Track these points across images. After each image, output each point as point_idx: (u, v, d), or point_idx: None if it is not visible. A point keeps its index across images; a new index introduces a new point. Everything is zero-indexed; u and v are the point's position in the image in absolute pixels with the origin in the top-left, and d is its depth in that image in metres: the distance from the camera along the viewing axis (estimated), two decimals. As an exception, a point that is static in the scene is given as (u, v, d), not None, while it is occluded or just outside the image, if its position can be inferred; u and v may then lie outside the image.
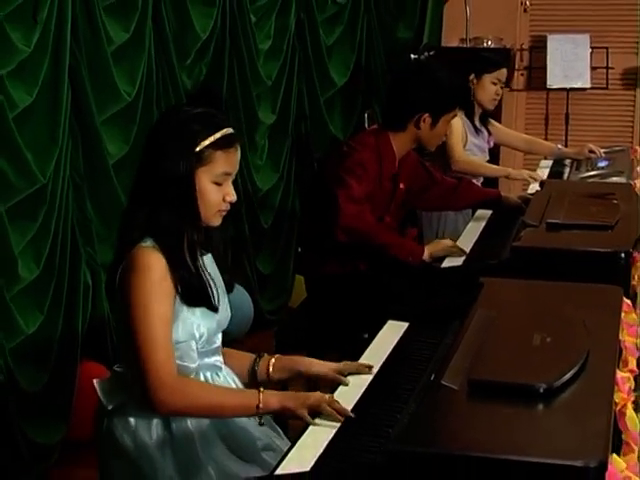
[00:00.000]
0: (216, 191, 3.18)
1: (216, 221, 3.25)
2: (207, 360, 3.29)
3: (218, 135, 3.16)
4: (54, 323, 5.03)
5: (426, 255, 5.08)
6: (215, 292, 3.25)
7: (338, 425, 3.02)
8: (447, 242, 5.22)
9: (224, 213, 3.25)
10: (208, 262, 3.32)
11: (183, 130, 3.15)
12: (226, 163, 3.18)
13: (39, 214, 4.88)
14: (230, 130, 3.21)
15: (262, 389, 3.16)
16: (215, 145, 3.15)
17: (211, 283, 3.25)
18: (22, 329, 4.81)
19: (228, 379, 3.36)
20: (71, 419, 5.11)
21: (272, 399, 3.12)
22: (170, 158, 3.12)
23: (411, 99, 5.13)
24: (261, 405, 3.10)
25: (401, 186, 5.33)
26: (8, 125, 4.57)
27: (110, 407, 3.22)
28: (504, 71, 6.55)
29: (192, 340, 3.20)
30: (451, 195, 5.61)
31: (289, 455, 2.87)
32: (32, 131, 4.81)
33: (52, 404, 5.03)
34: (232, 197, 3.22)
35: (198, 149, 3.13)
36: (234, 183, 3.28)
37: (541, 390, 2.80)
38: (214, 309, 3.22)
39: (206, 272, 3.26)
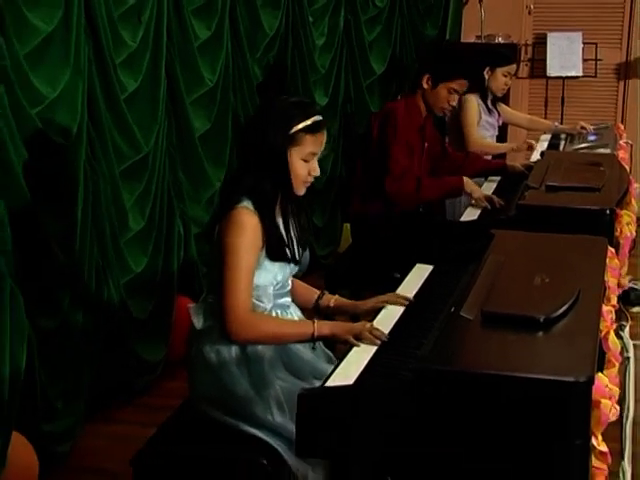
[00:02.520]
0: (304, 167, 3.22)
1: (301, 191, 3.29)
2: (279, 301, 3.33)
3: (309, 122, 3.19)
4: (155, 264, 5.09)
5: (465, 183, 5.17)
6: (296, 249, 3.30)
7: (376, 348, 3.02)
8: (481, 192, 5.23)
9: (308, 184, 3.29)
10: (291, 223, 3.34)
11: (281, 115, 3.18)
12: (314, 144, 3.22)
13: (143, 177, 4.93)
14: (319, 117, 3.24)
15: (315, 320, 3.21)
16: (306, 129, 3.18)
17: (294, 241, 3.30)
18: (132, 269, 4.88)
19: (294, 315, 3.40)
20: (169, 341, 5.15)
21: (324, 328, 3.16)
22: (269, 138, 3.15)
23: (420, 61, 5.22)
24: (315, 333, 3.15)
25: (425, 145, 5.31)
26: (120, 105, 4.64)
27: (199, 328, 3.25)
28: (514, 66, 6.55)
29: (270, 285, 3.26)
30: (460, 166, 5.59)
31: (336, 371, 2.88)
32: (137, 110, 4.84)
33: (155, 329, 5.10)
34: (317, 172, 3.27)
35: (291, 132, 3.15)
36: None
37: (541, 320, 2.80)
38: (295, 262, 3.29)
39: (292, 232, 3.31)
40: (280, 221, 3.27)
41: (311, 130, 3.20)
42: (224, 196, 3.28)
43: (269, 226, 3.17)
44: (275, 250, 3.20)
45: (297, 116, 3.18)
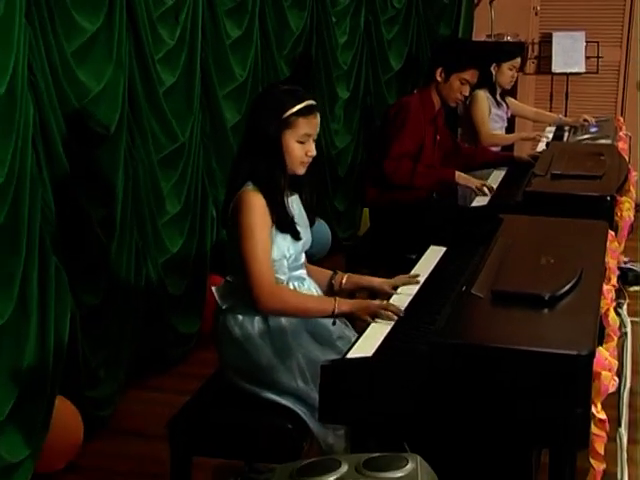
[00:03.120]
0: (300, 148, 3.20)
1: (300, 171, 3.27)
2: (294, 273, 3.33)
3: (300, 105, 3.17)
4: (190, 245, 5.10)
5: (457, 177, 5.18)
6: (299, 224, 3.28)
7: (392, 324, 3.02)
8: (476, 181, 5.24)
9: (307, 165, 3.26)
10: (295, 201, 3.34)
11: (274, 102, 3.19)
12: (308, 126, 3.20)
13: (179, 164, 4.94)
14: (311, 102, 3.23)
15: (336, 298, 3.21)
16: (298, 113, 3.17)
17: (295, 218, 3.28)
18: (169, 249, 4.90)
19: (311, 287, 3.39)
20: (203, 315, 5.16)
21: (344, 305, 3.16)
22: (264, 123, 3.16)
23: (434, 57, 5.27)
24: (336, 310, 3.15)
25: (438, 137, 5.31)
26: (158, 98, 4.65)
27: (224, 307, 3.26)
28: (518, 60, 6.49)
29: (284, 259, 3.25)
30: (471, 159, 5.63)
31: (356, 344, 2.88)
32: (174, 102, 4.85)
33: (189, 304, 5.11)
34: (312, 152, 3.24)
35: (285, 116, 3.15)
36: (318, 143, 3.31)
37: (546, 298, 2.80)
38: (298, 238, 3.26)
39: (290, 208, 3.28)
40: (288, 198, 3.27)
41: (303, 113, 3.18)
42: (229, 181, 3.28)
43: (274, 203, 3.16)
44: (282, 222, 3.20)
45: (289, 101, 3.18)
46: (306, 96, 3.23)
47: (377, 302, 3.14)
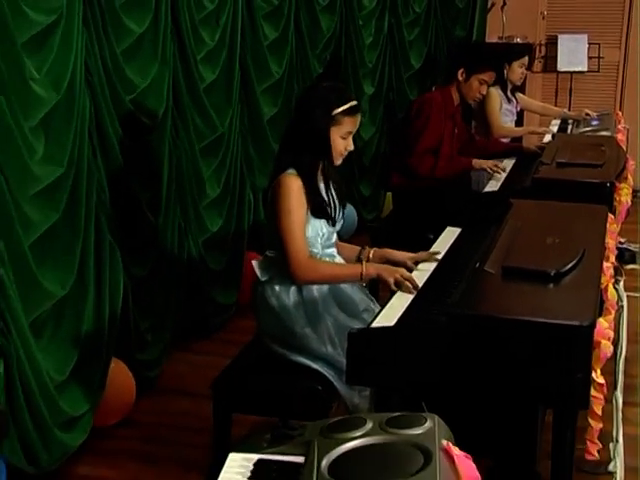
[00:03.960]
0: (342, 143, 3.22)
1: (338, 162, 3.29)
2: (327, 251, 3.33)
3: (347, 106, 3.18)
4: (229, 225, 5.12)
5: (474, 163, 5.21)
6: (334, 208, 3.29)
7: (413, 296, 3.02)
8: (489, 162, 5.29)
9: (344, 157, 3.28)
10: (329, 188, 3.34)
11: (323, 100, 3.18)
12: (351, 124, 3.22)
13: (219, 152, 4.95)
14: (355, 102, 3.23)
15: (364, 262, 3.27)
16: (345, 112, 3.18)
17: (335, 202, 3.31)
18: (209, 228, 4.91)
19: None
20: (240, 288, 5.17)
21: (370, 268, 3.19)
22: (314, 119, 3.16)
23: (455, 58, 5.23)
24: (364, 272, 3.17)
25: (455, 130, 5.30)
26: (199, 93, 4.66)
27: (263, 279, 3.27)
28: (526, 58, 6.47)
29: (317, 237, 3.26)
30: (484, 149, 5.62)
31: (380, 315, 2.88)
32: (215, 97, 4.85)
33: (228, 278, 5.12)
34: (351, 147, 3.27)
35: (333, 114, 3.16)
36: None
37: (552, 274, 2.80)
38: (332, 221, 3.28)
39: (331, 196, 3.30)
40: (322, 186, 3.29)
41: (349, 112, 3.19)
42: (274, 166, 3.27)
43: (311, 188, 3.18)
44: (317, 208, 3.21)
45: (338, 100, 3.18)
46: (352, 96, 3.25)
47: (401, 269, 3.15)
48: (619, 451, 3.52)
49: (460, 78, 5.15)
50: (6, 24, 3.05)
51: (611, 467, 3.42)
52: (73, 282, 3.58)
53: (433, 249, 3.51)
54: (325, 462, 1.74)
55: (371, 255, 3.46)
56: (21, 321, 3.23)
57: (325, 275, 3.20)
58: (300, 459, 1.81)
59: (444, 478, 1.61)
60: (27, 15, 3.20)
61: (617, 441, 3.59)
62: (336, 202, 3.33)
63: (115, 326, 3.88)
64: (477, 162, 5.25)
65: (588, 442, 2.90)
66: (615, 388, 3.77)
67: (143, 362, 4.24)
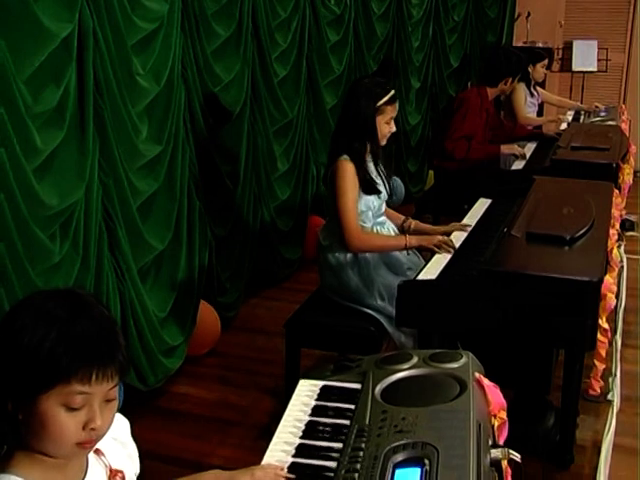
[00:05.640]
0: (386, 127, 3.18)
1: (384, 143, 3.25)
2: (378, 219, 3.31)
3: (388, 96, 3.14)
4: (296, 194, 5.09)
5: (502, 148, 5.17)
6: (382, 185, 3.26)
7: (450, 255, 3.02)
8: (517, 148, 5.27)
9: (388, 138, 3.24)
10: (378, 166, 3.30)
11: (369, 93, 3.13)
12: (392, 111, 3.18)
13: (289, 134, 4.92)
14: (393, 92, 3.19)
15: (407, 235, 3.23)
16: (387, 102, 3.14)
17: (383, 179, 3.26)
18: (279, 196, 4.89)
19: (389, 228, 3.37)
20: (304, 247, 5.18)
21: (413, 240, 3.18)
22: (362, 110, 3.12)
23: (504, 70, 5.11)
24: (407, 244, 3.16)
25: (488, 120, 5.25)
26: (274, 85, 4.63)
27: (324, 244, 3.26)
28: (547, 60, 6.47)
29: (369, 210, 3.23)
30: (511, 134, 5.57)
31: (423, 270, 2.89)
32: (286, 89, 4.81)
33: (294, 238, 5.11)
34: (394, 129, 3.22)
35: (378, 105, 3.12)
36: (396, 121, 3.26)
37: (567, 238, 2.80)
38: (379, 195, 3.24)
39: (380, 172, 3.27)
40: (371, 165, 3.25)
41: (390, 102, 3.16)
42: (330, 153, 3.24)
43: (361, 171, 3.14)
44: (367, 187, 3.17)
45: (381, 93, 3.14)
46: (390, 87, 3.20)
47: (440, 237, 3.13)
48: (617, 384, 3.52)
49: (505, 86, 5.19)
50: (119, 30, 3.09)
51: (610, 396, 3.42)
52: (170, 239, 3.61)
53: (465, 220, 3.48)
54: (378, 389, 1.75)
55: (412, 226, 3.45)
56: (132, 269, 3.29)
57: (374, 246, 3.18)
58: (357, 386, 1.82)
59: (476, 403, 1.62)
60: (136, 23, 3.22)
61: (615, 375, 3.59)
62: (384, 177, 3.30)
63: (202, 275, 3.91)
64: (506, 147, 5.22)
65: (592, 380, 2.90)
66: (615, 333, 3.75)
67: (225, 304, 4.26)
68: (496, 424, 1.64)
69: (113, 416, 1.31)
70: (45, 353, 1.21)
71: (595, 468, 2.91)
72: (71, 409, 1.24)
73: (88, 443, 1.28)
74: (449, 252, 3.03)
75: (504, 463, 1.49)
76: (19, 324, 1.24)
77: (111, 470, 1.40)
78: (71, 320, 1.24)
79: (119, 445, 1.44)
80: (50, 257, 2.77)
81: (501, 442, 1.62)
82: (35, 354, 1.21)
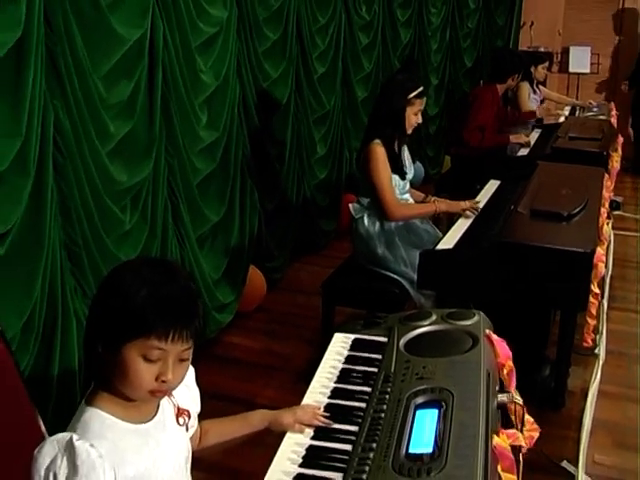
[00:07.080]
0: (414, 118, 3.13)
1: (410, 132, 3.19)
2: (403, 197, 3.25)
3: (417, 91, 3.09)
4: (332, 174, 5.04)
5: (511, 138, 5.10)
6: (406, 166, 3.22)
7: (469, 223, 3.03)
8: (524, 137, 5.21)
9: (414, 128, 3.19)
10: (404, 150, 3.27)
11: (400, 88, 3.09)
12: (420, 105, 3.13)
13: (326, 123, 4.87)
14: (422, 87, 3.14)
15: (436, 201, 3.27)
16: (416, 96, 3.09)
17: (406, 160, 3.23)
18: (317, 176, 4.84)
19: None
20: (339, 219, 5.14)
21: (442, 205, 3.22)
22: (394, 103, 3.07)
23: (510, 68, 5.02)
24: (437, 209, 3.18)
25: (498, 114, 5.16)
26: (313, 81, 4.58)
27: (356, 217, 3.23)
28: (547, 62, 6.45)
29: (396, 187, 3.18)
30: (517, 123, 5.55)
31: (442, 240, 2.89)
32: (324, 84, 4.75)
33: (330, 211, 5.07)
34: (420, 121, 3.17)
35: (408, 98, 3.07)
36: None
37: (565, 215, 2.79)
38: (404, 175, 3.20)
39: (406, 156, 3.23)
40: (398, 150, 3.21)
41: (418, 96, 3.10)
42: (364, 138, 3.20)
43: (391, 153, 3.10)
44: (395, 167, 3.13)
45: (410, 87, 3.08)
46: (420, 83, 3.15)
47: (466, 202, 3.17)
48: (603, 340, 3.54)
49: (512, 82, 5.14)
50: (186, 33, 3.09)
51: (597, 351, 3.42)
52: (224, 211, 3.61)
53: (479, 196, 3.45)
54: (402, 342, 1.75)
55: (432, 201, 3.40)
56: (191, 237, 3.30)
57: (412, 214, 3.17)
58: (384, 339, 1.82)
59: (486, 355, 1.61)
60: (200, 27, 3.21)
61: (602, 333, 3.60)
62: (407, 160, 3.27)
63: (252, 242, 3.91)
64: (514, 137, 5.16)
65: (585, 334, 2.87)
66: (602, 297, 3.73)
67: (271, 268, 4.27)
68: (505, 371, 1.63)
69: (185, 373, 1.31)
70: (134, 308, 1.21)
71: (582, 410, 2.95)
72: (148, 360, 1.24)
73: (159, 392, 1.29)
74: (474, 214, 3.07)
75: (510, 406, 1.48)
76: (118, 281, 1.25)
77: (179, 409, 1.41)
78: (160, 284, 1.23)
79: (185, 388, 1.45)
80: (121, 226, 2.78)
81: (512, 387, 1.61)
82: (126, 307, 1.22)
